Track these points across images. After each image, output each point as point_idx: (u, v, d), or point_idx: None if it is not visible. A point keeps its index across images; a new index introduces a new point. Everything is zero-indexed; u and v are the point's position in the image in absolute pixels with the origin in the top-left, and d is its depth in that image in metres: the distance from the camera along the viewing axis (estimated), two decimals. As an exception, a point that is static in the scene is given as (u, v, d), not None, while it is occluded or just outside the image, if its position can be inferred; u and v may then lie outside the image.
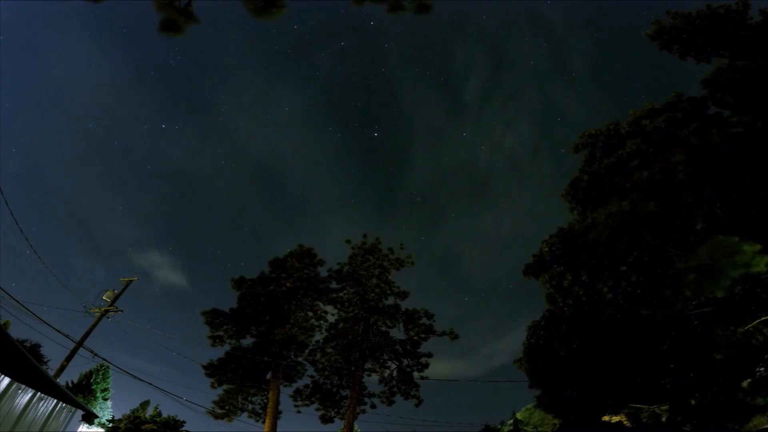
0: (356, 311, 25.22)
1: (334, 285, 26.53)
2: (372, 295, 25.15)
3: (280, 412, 24.10)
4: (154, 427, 19.10)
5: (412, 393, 24.25)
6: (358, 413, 23.75)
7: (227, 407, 23.77)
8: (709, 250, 8.53)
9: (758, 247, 8.07)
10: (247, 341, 25.28)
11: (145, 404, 29.65)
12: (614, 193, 13.30)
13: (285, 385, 25.20)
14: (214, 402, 23.76)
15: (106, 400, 26.93)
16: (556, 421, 21.40)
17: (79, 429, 21.37)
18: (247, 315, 24.83)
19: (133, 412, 25.75)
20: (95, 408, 25.48)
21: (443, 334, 24.66)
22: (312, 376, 25.25)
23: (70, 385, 25.76)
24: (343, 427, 23.28)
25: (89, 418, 15.77)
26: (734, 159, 9.73)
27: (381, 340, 24.94)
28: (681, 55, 15.46)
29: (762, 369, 12.47)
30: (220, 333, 24.55)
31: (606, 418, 17.54)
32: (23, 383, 10.01)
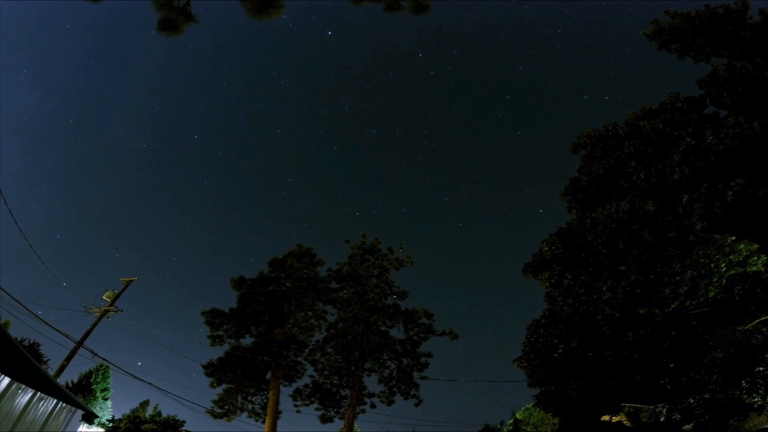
0: (356, 311, 25.24)
1: (333, 285, 26.56)
2: (371, 295, 25.18)
3: (280, 412, 24.13)
4: (154, 426, 19.11)
5: (411, 393, 24.27)
6: (357, 413, 23.77)
7: (227, 407, 23.79)
8: (705, 249, 8.55)
9: (755, 246, 8.08)
10: (247, 341, 25.33)
11: (144, 404, 29.65)
12: (613, 193, 13.32)
13: (285, 385, 25.22)
14: (214, 401, 23.78)
15: (106, 400, 26.93)
16: (555, 420, 21.41)
17: (79, 429, 21.37)
18: (246, 315, 24.85)
19: (133, 411, 25.75)
20: (95, 408, 25.50)
21: (443, 333, 24.69)
22: (312, 376, 25.29)
23: (70, 385, 25.76)
24: (342, 426, 23.29)
25: (89, 418, 15.76)
26: (731, 159, 9.76)
27: (381, 340, 24.95)
28: (680, 54, 15.48)
29: (761, 368, 12.47)
30: (220, 333, 24.57)
31: (605, 417, 17.54)
32: (23, 383, 10.02)
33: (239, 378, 23.85)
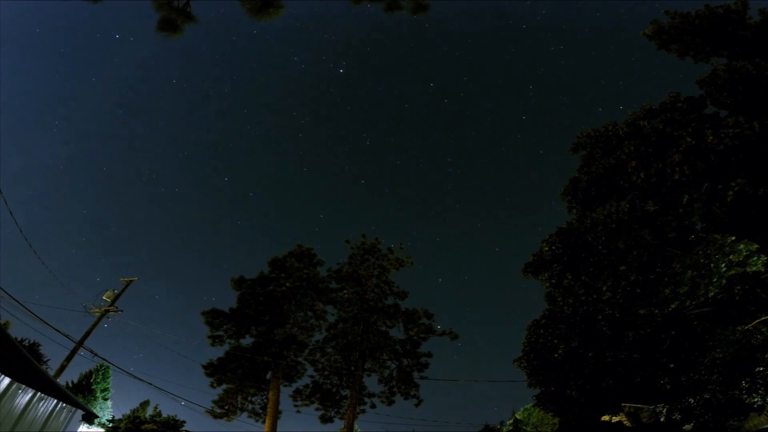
0: (356, 311, 25.24)
1: (333, 285, 26.55)
2: (371, 295, 25.17)
3: (280, 412, 24.12)
4: (154, 426, 19.11)
5: (411, 393, 24.25)
6: (358, 413, 23.76)
7: (227, 407, 23.79)
8: (705, 250, 8.54)
9: (755, 246, 8.07)
10: (247, 341, 25.33)
11: (145, 404, 29.64)
12: (613, 193, 13.33)
13: (285, 385, 25.21)
14: (214, 402, 23.78)
15: (106, 400, 26.92)
16: (555, 420, 21.41)
17: (79, 429, 21.36)
18: (246, 315, 24.84)
19: (133, 412, 25.75)
20: (95, 408, 25.49)
21: (443, 333, 24.69)
22: (312, 376, 25.28)
23: (70, 385, 25.74)
24: (343, 427, 23.29)
25: (89, 418, 15.75)
26: (731, 159, 9.75)
27: (381, 340, 24.94)
28: (680, 54, 15.47)
29: (761, 368, 12.46)
30: (220, 333, 24.58)
31: (606, 418, 17.53)
32: (23, 383, 10.02)
33: (239, 378, 23.84)
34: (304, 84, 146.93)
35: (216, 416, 23.60)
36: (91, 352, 17.75)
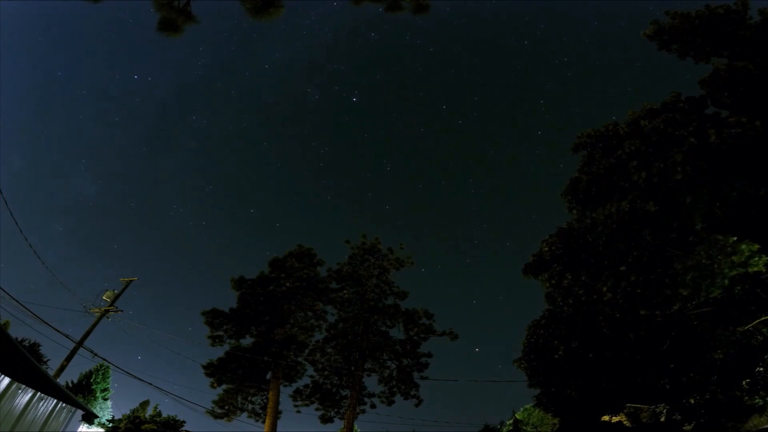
0: (356, 311, 25.23)
1: (333, 285, 26.54)
2: (372, 295, 25.16)
3: (280, 412, 24.12)
4: (154, 426, 19.10)
5: (411, 393, 24.25)
6: (358, 413, 23.76)
7: (227, 407, 23.79)
8: (707, 250, 8.53)
9: (756, 246, 8.06)
10: (247, 341, 25.32)
11: (144, 404, 29.61)
12: (613, 193, 13.31)
13: (285, 385, 25.21)
14: (214, 402, 23.78)
15: (106, 400, 26.90)
16: (555, 420, 21.40)
17: (79, 429, 21.39)
18: (246, 315, 24.84)
19: (133, 412, 25.74)
20: (95, 408, 25.47)
21: (443, 333, 24.67)
22: (312, 376, 25.28)
23: (70, 385, 25.72)
24: (343, 427, 23.29)
25: (89, 418, 15.80)
26: (733, 159, 9.74)
27: (381, 340, 24.95)
28: (680, 55, 15.46)
29: (761, 369, 12.46)
30: (220, 333, 24.57)
31: (606, 418, 17.53)
32: (23, 383, 10.02)
33: (239, 378, 23.85)
34: (320, 114, 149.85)
35: (216, 416, 23.59)
36: (91, 352, 17.75)
